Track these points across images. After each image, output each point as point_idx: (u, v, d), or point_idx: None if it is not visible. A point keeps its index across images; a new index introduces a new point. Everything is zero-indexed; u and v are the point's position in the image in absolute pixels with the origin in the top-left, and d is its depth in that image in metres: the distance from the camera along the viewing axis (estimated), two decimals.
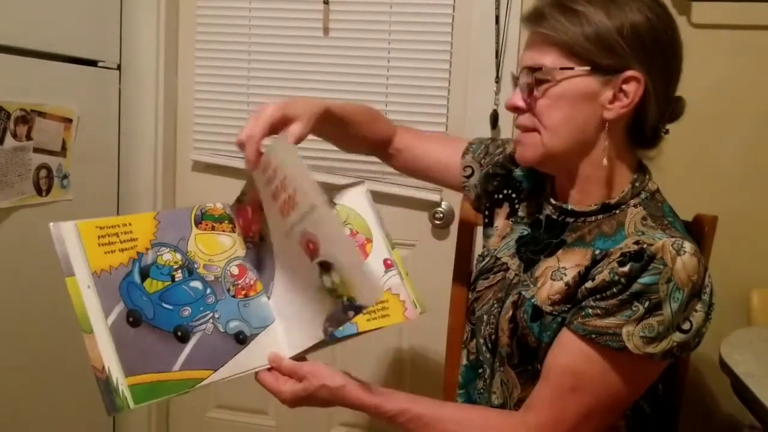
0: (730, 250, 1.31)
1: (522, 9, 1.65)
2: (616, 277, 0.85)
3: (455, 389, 1.16)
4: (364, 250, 1.03)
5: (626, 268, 0.84)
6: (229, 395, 2.01)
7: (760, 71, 1.58)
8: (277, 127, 0.89)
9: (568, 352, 0.88)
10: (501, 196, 1.13)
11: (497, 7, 1.67)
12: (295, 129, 0.90)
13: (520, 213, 1.08)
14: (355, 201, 1.07)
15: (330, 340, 0.92)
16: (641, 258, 0.84)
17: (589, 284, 0.88)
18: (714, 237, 1.11)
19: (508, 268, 1.03)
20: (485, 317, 1.02)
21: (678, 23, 0.92)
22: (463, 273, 1.36)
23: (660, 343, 0.84)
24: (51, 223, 0.85)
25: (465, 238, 1.36)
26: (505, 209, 1.11)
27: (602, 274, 0.86)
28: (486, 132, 1.72)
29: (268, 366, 0.91)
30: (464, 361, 1.12)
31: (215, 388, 2.01)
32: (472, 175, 1.15)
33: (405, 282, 1.02)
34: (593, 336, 0.86)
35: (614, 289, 0.85)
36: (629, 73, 0.89)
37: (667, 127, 0.95)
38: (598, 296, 0.86)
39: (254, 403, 1.99)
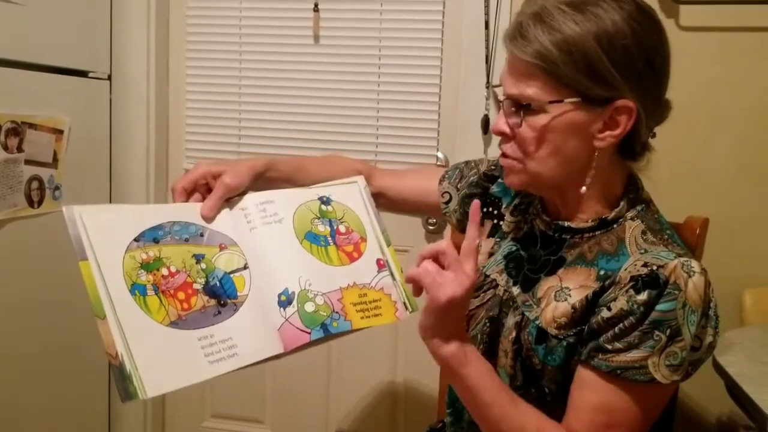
0: (721, 252, 1.32)
1: (511, 14, 1.66)
2: (635, 306, 0.84)
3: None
4: (359, 248, 1.03)
5: (644, 296, 0.84)
6: (225, 404, 2.00)
7: (749, 73, 1.59)
8: (206, 180, 0.99)
9: (595, 391, 0.87)
10: (481, 214, 1.11)
11: (486, 13, 1.68)
12: (225, 178, 0.98)
13: (505, 228, 1.07)
14: (351, 198, 1.08)
15: (325, 336, 0.93)
16: (657, 284, 0.83)
17: (605, 314, 0.86)
18: (705, 238, 1.12)
19: (497, 285, 1.02)
20: (479, 336, 1.01)
21: (666, 27, 0.89)
22: None
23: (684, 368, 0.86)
24: (63, 207, 0.86)
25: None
26: (487, 227, 1.11)
27: (619, 302, 0.85)
28: (477, 136, 1.72)
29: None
30: None
31: (211, 396, 2.01)
32: (450, 200, 1.16)
33: (398, 282, 1.02)
34: (619, 372, 0.85)
35: (632, 318, 0.84)
36: (620, 102, 0.85)
37: (654, 130, 0.93)
38: (616, 330, 0.85)
39: (250, 412, 1.99)
